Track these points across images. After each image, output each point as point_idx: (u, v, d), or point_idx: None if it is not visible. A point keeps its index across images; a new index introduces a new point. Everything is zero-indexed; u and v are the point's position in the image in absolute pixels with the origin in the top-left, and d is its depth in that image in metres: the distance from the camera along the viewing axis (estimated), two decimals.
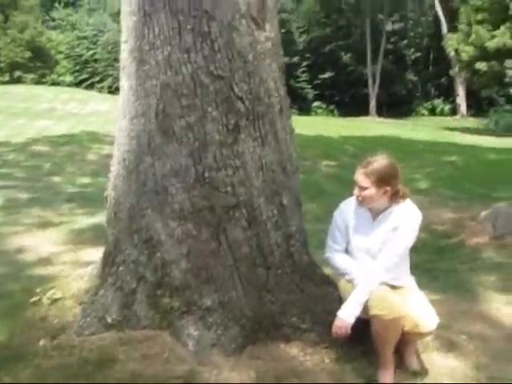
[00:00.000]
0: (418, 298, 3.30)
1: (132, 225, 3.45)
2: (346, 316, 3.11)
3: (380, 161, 3.21)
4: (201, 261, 3.30)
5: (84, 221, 7.06)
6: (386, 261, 3.18)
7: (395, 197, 3.24)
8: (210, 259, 3.31)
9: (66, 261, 5.40)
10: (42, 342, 3.32)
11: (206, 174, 3.26)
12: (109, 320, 3.39)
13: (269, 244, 3.42)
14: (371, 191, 3.18)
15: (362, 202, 3.26)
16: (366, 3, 46.99)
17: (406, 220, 3.21)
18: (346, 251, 3.41)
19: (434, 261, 6.16)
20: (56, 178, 10.80)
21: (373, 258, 3.25)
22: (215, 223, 3.29)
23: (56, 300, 3.76)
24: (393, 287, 3.21)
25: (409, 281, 3.39)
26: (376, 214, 3.29)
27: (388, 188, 3.18)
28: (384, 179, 3.17)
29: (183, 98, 3.24)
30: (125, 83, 3.51)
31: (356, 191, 3.25)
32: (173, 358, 3.10)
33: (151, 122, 3.32)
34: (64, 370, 3.01)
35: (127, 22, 3.43)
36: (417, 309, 3.19)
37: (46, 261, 5.40)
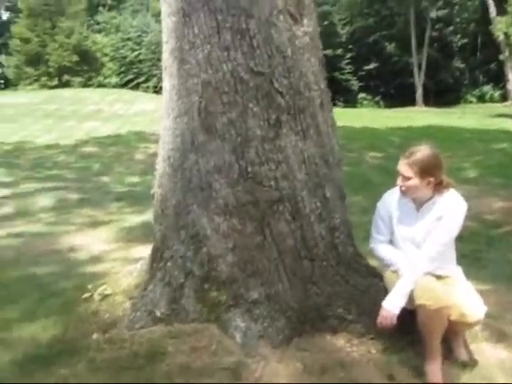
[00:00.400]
0: (464, 288, 3.27)
1: (178, 221, 3.52)
2: (391, 306, 3.11)
3: (423, 151, 3.19)
4: (246, 254, 3.35)
5: (133, 219, 7.20)
6: (431, 250, 3.16)
7: (439, 187, 3.22)
8: (256, 253, 3.35)
9: (116, 258, 5.52)
10: (94, 336, 3.43)
11: (249, 169, 3.30)
12: (158, 314, 3.47)
13: (313, 236, 3.44)
14: (414, 181, 3.17)
15: (405, 192, 3.25)
16: None
17: (450, 210, 3.18)
18: (391, 242, 3.41)
19: (483, 250, 6.08)
20: (105, 178, 11.05)
21: (417, 248, 3.24)
22: (259, 217, 3.34)
23: (107, 296, 3.88)
24: (438, 277, 3.20)
25: (455, 270, 3.37)
26: (420, 204, 3.27)
27: (431, 179, 3.16)
28: (427, 170, 3.15)
29: (224, 95, 3.29)
30: (167, 83, 3.59)
31: (399, 181, 3.24)
32: (220, 350, 3.15)
33: (194, 119, 3.38)
34: (116, 363, 3.10)
35: (167, 22, 3.50)
36: (463, 298, 3.17)
37: (96, 259, 5.54)
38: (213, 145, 3.34)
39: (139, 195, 8.62)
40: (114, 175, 11.47)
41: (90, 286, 4.12)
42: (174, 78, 3.47)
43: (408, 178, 3.17)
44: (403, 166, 3.20)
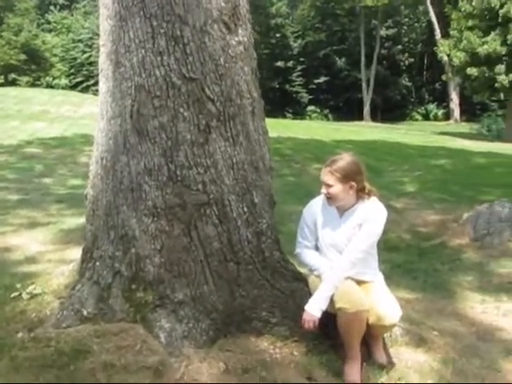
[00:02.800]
0: (382, 293, 3.40)
1: (108, 221, 3.55)
2: (313, 309, 3.22)
3: (344, 158, 3.33)
4: (173, 256, 3.40)
5: (72, 221, 7.15)
6: (351, 256, 3.28)
7: (362, 194, 3.36)
8: (182, 254, 3.41)
9: (51, 259, 5.50)
10: (19, 335, 3.41)
11: (178, 173, 3.37)
12: (85, 313, 3.47)
13: (239, 240, 3.51)
14: (337, 188, 3.29)
15: (330, 199, 3.36)
16: (360, 9, 47.29)
17: (370, 217, 3.31)
18: (317, 247, 3.52)
19: (415, 261, 6.30)
20: (47, 180, 10.92)
21: (340, 253, 3.36)
22: (187, 220, 3.40)
23: (35, 295, 3.86)
24: (359, 282, 3.32)
25: (376, 276, 3.50)
26: (343, 210, 3.40)
27: (353, 183, 3.29)
28: (348, 175, 3.28)
29: (156, 99, 3.35)
30: (103, 85, 3.62)
31: (323, 190, 3.35)
32: (145, 350, 3.18)
33: (127, 122, 3.43)
34: (39, 361, 3.08)
35: (104, 25, 3.54)
36: (380, 302, 3.29)
37: (31, 259, 5.51)
38: (144, 147, 3.39)
39: (80, 198, 8.49)
40: (57, 177, 11.35)
41: (18, 286, 4.08)
42: (109, 81, 3.52)
43: (331, 186, 3.29)
44: (326, 175, 3.32)
